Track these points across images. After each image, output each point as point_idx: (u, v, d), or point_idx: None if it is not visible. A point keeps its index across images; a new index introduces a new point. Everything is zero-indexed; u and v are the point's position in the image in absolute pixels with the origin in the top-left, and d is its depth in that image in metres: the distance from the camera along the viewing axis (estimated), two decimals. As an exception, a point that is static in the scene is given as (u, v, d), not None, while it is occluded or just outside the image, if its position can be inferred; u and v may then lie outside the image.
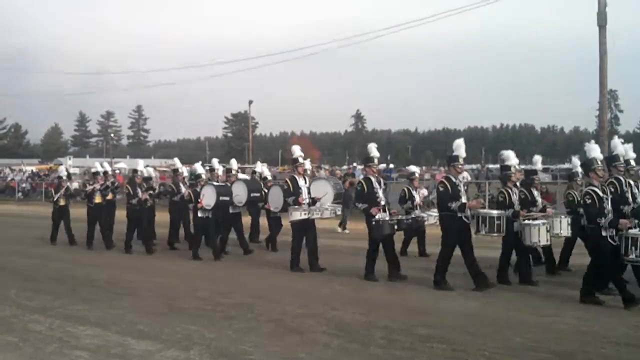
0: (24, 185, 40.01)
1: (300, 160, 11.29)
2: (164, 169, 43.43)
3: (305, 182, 11.32)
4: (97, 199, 14.66)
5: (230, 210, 13.21)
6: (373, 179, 10.25)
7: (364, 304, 8.34)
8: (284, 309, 8.06)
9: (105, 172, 15.35)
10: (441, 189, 9.40)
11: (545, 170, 41.47)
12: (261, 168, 16.09)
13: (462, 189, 9.44)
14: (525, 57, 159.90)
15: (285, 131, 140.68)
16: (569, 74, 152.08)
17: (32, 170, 46.42)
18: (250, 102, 51.34)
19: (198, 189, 12.76)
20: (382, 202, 10.14)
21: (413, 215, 11.17)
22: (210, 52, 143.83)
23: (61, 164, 60.91)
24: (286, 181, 11.44)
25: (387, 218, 10.05)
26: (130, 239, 13.90)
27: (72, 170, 45.16)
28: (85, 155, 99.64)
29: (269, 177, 15.65)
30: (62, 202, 15.39)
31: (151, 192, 14.24)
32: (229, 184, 13.40)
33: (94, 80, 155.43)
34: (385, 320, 7.35)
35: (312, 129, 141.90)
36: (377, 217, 9.88)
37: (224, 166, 15.41)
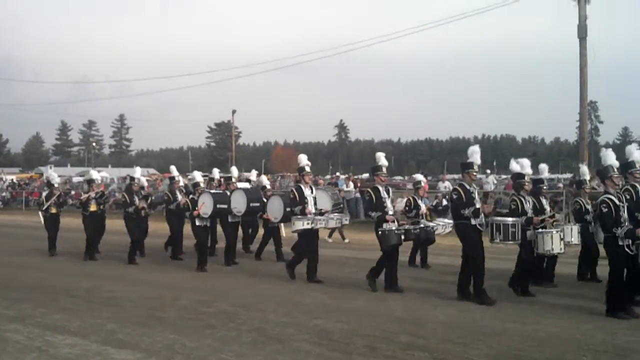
0: (3, 194, 39.51)
1: (307, 169, 11.05)
2: (147, 178, 43.24)
3: (312, 192, 11.05)
4: (93, 207, 14.33)
5: (229, 220, 13.06)
6: (381, 188, 10.07)
7: (346, 312, 8.32)
8: (266, 317, 8.03)
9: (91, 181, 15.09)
10: (455, 196, 9.20)
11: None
12: (260, 177, 15.85)
13: (476, 196, 9.21)
14: (507, 69, 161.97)
15: (269, 141, 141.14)
16: (550, 85, 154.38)
17: (12, 180, 45.88)
18: (234, 111, 51.43)
19: (196, 197, 12.48)
20: (390, 212, 9.99)
21: (422, 225, 10.97)
22: (194, 62, 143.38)
23: (42, 173, 60.45)
24: (292, 190, 11.22)
25: (394, 228, 9.79)
26: (135, 251, 13.68)
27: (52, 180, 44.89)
28: (66, 164, 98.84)
29: (268, 186, 15.44)
30: (53, 210, 15.02)
31: (148, 200, 14.12)
32: (227, 193, 13.21)
33: (76, 89, 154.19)
34: (367, 329, 7.34)
35: (296, 138, 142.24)
36: (384, 226, 9.71)
37: (221, 176, 15.25)
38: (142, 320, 7.92)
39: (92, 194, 14.36)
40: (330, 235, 17.87)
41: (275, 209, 12.84)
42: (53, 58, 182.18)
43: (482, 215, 9.08)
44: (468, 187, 9.19)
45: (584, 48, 18.86)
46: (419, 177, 13.88)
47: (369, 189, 10.41)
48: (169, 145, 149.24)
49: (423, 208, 12.34)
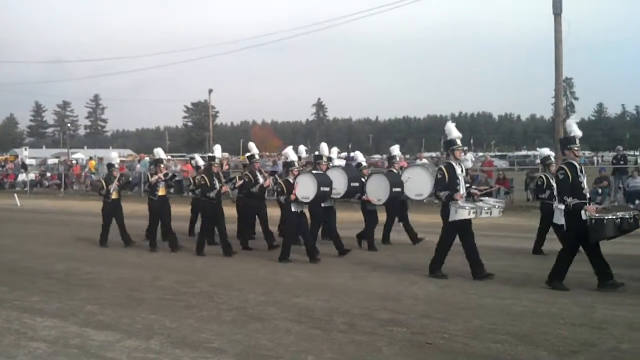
0: (-22, 176, 38.91)
1: (459, 142, 9.16)
2: (123, 159, 42.83)
3: (463, 172, 9.13)
4: (161, 191, 12.50)
5: (323, 205, 11.25)
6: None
7: (326, 290, 8.38)
8: (246, 297, 8.05)
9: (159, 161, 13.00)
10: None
11: (502, 157, 42.25)
12: (355, 154, 14.15)
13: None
14: (483, 46, 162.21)
15: (247, 120, 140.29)
16: (526, 62, 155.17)
17: (-14, 162, 45.18)
18: (211, 91, 50.65)
19: (291, 179, 10.85)
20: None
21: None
22: (170, 41, 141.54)
23: (17, 155, 59.49)
24: (440, 169, 9.16)
25: (612, 217, 7.96)
26: (222, 239, 11.78)
27: (28, 162, 44.31)
28: (41, 146, 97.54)
29: (364, 164, 13.10)
30: (114, 196, 12.99)
31: (232, 183, 12.53)
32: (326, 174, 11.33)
33: (51, 69, 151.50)
34: (347, 306, 7.40)
35: (274, 118, 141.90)
36: (593, 215, 7.90)
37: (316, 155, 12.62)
38: (121, 302, 7.89)
39: (162, 176, 12.57)
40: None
41: (376, 189, 11.59)
42: (27, 38, 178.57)
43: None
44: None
45: (559, 24, 18.91)
46: (546, 151, 12.11)
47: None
48: (145, 125, 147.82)
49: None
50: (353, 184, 11.47)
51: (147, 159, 33.27)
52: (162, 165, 12.88)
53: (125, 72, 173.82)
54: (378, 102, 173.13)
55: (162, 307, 7.54)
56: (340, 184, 11.32)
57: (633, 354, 5.49)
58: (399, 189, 11.54)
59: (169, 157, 36.02)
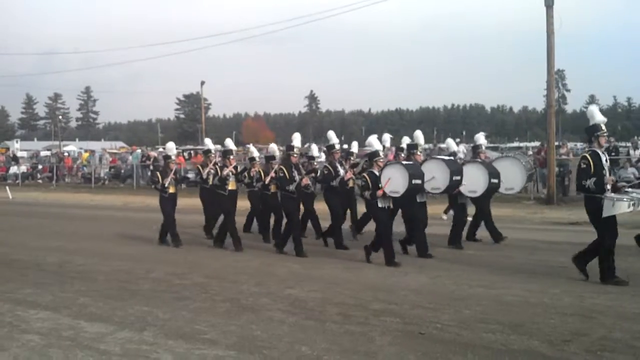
0: (-32, 168, 38.69)
1: (603, 127, 8.24)
2: (115, 151, 42.70)
3: (607, 161, 8.23)
4: (231, 185, 11.51)
5: (418, 200, 10.29)
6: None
7: (319, 281, 8.41)
8: (240, 288, 8.06)
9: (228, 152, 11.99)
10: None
11: (494, 148, 42.42)
12: (447, 141, 12.77)
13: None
14: (475, 38, 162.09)
15: (239, 112, 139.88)
16: (518, 54, 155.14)
17: (-24, 154, 44.87)
18: (203, 83, 50.49)
19: (375, 171, 9.73)
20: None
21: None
22: (162, 32, 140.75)
23: (8, 147, 59.09)
24: (584, 156, 8.20)
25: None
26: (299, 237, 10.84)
27: (19, 154, 44.05)
28: (33, 138, 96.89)
29: (461, 154, 11.83)
30: (172, 190, 12.07)
31: (313, 175, 11.46)
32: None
33: (43, 61, 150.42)
34: (340, 297, 7.43)
35: (266, 110, 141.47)
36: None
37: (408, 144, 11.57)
38: (114, 294, 7.88)
39: (232, 169, 11.67)
40: (447, 211, 14.27)
41: (475, 181, 10.65)
42: (18, 30, 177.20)
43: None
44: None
45: (550, 16, 18.91)
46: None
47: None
48: (137, 117, 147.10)
49: None
50: (455, 177, 10.31)
51: (139, 150, 33.18)
52: (232, 157, 11.85)
53: (116, 63, 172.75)
54: (370, 93, 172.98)
55: (155, 299, 7.54)
56: (441, 177, 10.24)
57: (623, 343, 5.54)
58: (496, 180, 10.68)
59: (161, 149, 35.89)
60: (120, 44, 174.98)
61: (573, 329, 5.95)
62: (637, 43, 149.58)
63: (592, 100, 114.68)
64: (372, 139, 10.17)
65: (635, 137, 26.94)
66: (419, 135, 11.24)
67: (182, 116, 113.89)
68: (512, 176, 10.67)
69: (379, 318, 6.46)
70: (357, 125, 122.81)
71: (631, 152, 19.90)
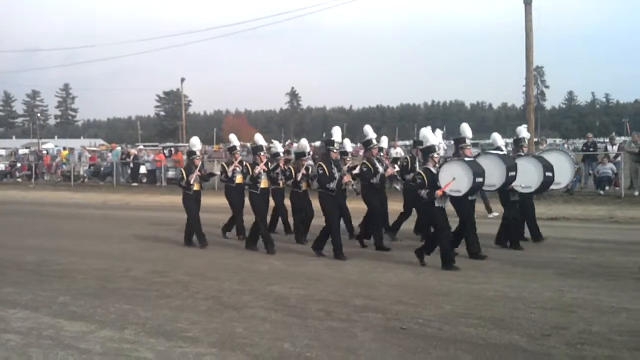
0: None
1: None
2: (94, 149, 42.31)
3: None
4: (264, 183, 10.88)
5: (470, 198, 9.59)
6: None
7: (301, 278, 8.41)
8: (221, 285, 8.04)
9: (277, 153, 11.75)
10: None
11: (474, 145, 42.68)
12: (493, 135, 11.58)
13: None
14: (455, 35, 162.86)
15: (220, 109, 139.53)
16: (497, 51, 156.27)
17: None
18: (183, 79, 50.24)
19: (430, 167, 9.06)
20: None
21: None
22: (142, 29, 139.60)
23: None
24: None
25: None
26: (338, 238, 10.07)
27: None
28: (11, 136, 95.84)
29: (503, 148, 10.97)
30: (196, 187, 11.56)
31: (355, 172, 10.79)
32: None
33: (21, 58, 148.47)
34: (322, 294, 7.44)
35: (247, 107, 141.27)
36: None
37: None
38: (94, 292, 7.82)
39: (264, 166, 11.01)
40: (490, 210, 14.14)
41: (529, 176, 9.99)
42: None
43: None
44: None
45: (529, 13, 19.08)
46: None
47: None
48: (116, 115, 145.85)
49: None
50: (510, 173, 9.72)
51: (119, 148, 32.90)
52: (262, 154, 11.17)
53: (95, 60, 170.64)
54: (352, 90, 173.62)
55: (136, 297, 7.49)
56: (496, 174, 9.57)
57: (602, 336, 5.61)
58: (550, 174, 10.06)
59: (141, 147, 35.64)
60: (100, 41, 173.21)
61: (553, 323, 6.01)
62: (615, 40, 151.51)
63: (571, 96, 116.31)
64: (427, 132, 9.49)
65: (613, 133, 27.24)
66: (465, 128, 10.35)
67: (162, 113, 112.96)
68: (561, 171, 10.12)
69: (361, 314, 6.49)
70: (338, 122, 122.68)
71: (609, 147, 20.11)
